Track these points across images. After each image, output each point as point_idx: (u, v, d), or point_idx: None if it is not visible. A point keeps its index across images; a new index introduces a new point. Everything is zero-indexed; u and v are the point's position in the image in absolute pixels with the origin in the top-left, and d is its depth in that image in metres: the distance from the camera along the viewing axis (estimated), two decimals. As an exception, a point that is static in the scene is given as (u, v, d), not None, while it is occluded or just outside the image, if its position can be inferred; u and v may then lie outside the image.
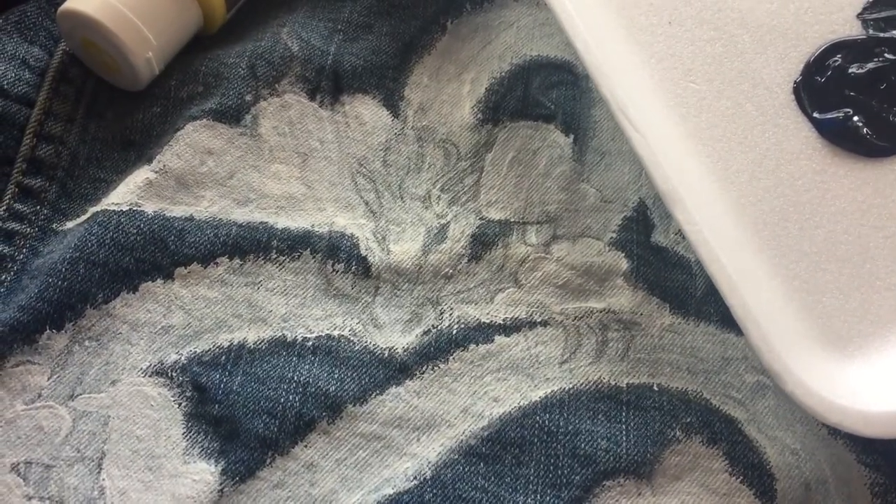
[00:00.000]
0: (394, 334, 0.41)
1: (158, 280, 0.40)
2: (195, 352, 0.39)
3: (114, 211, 0.41)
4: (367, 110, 0.45)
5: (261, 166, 0.44)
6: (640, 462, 0.38)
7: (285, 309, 0.41)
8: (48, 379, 0.38)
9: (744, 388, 0.41)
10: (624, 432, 0.39)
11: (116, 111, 0.44)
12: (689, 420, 0.39)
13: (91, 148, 0.44)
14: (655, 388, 0.40)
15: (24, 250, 0.41)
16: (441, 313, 0.41)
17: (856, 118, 0.41)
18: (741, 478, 0.38)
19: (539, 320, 0.41)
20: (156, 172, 0.42)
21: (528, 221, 0.44)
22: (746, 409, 0.40)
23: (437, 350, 0.40)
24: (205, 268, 0.41)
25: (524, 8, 0.49)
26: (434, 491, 0.37)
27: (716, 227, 0.39)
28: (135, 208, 0.41)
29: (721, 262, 0.38)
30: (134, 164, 0.43)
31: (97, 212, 0.41)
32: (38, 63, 0.44)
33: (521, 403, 0.39)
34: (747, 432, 0.39)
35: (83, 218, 0.42)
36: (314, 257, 0.42)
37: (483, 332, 0.41)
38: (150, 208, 0.42)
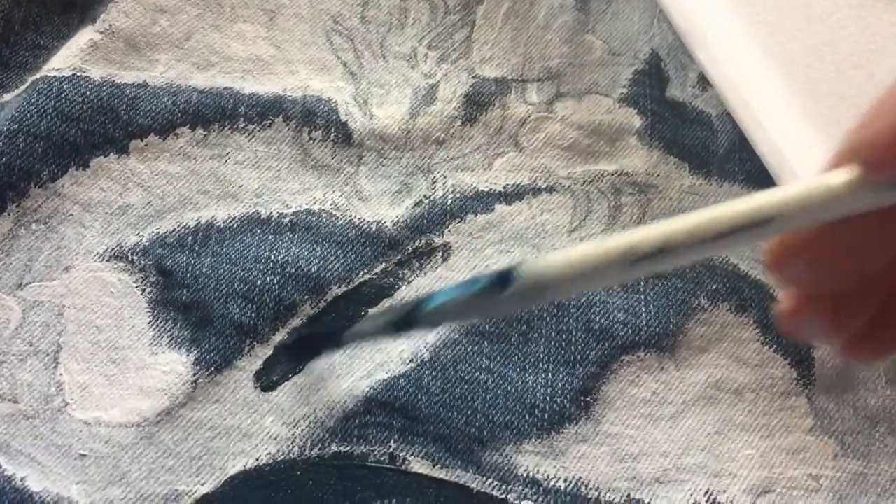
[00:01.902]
0: (381, 207, 0.36)
1: (112, 154, 0.36)
2: (157, 232, 0.35)
3: (55, 77, 0.36)
4: (340, -42, 0.40)
5: (222, 25, 0.38)
6: (662, 334, 0.34)
7: (258, 183, 0.36)
8: (-9, 267, 0.34)
9: (774, 252, 0.36)
10: (643, 302, 0.35)
11: (53, -33, 0.39)
12: (714, 287, 0.35)
13: (27, 11, 0.39)
14: (676, 254, 0.36)
15: (-43, 127, 0.36)
16: (433, 182, 0.37)
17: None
18: (774, 346, 0.34)
19: (544, 186, 0.37)
20: (101, 33, 0.37)
21: (528, 79, 0.39)
22: (777, 274, 0.36)
23: (430, 222, 0.36)
24: (164, 140, 0.36)
25: None
26: (433, 373, 0.33)
27: (743, 67, 0.35)
28: (79, 74, 0.36)
29: (750, 107, 0.33)
30: (77, 28, 0.38)
31: (36, 79, 0.36)
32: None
33: (528, 276, 0.35)
34: (779, 298, 0.35)
35: (22, 88, 0.37)
36: (288, 125, 0.37)
37: (482, 201, 0.36)
38: (96, 74, 0.36)
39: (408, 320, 0.24)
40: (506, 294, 0.21)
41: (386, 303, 0.35)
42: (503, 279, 0.21)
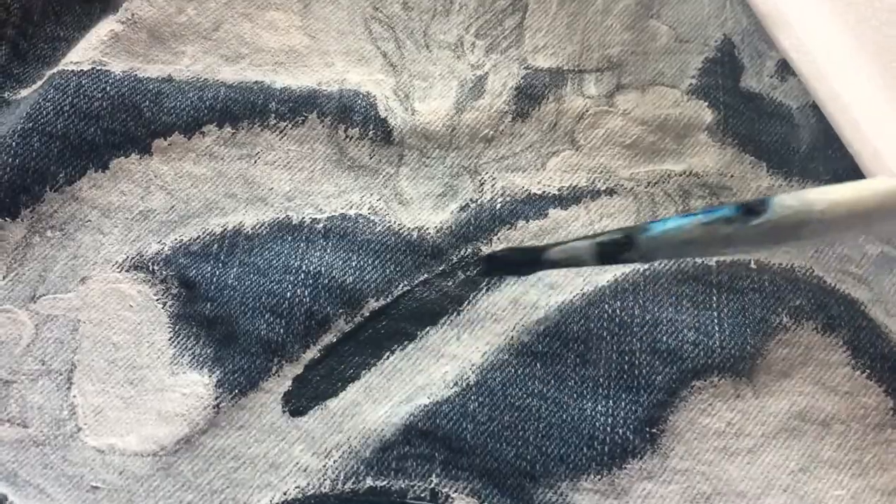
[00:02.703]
0: (423, 212, 0.33)
1: (133, 155, 0.33)
2: (181, 240, 0.32)
3: (73, 72, 0.33)
4: (380, -61, 0.36)
5: (253, 14, 0.36)
6: (738, 356, 0.30)
7: (289, 185, 0.33)
8: (3, 278, 0.32)
9: (865, 262, 0.32)
10: (716, 321, 0.31)
11: (74, -47, 0.36)
12: (797, 303, 0.31)
13: (46, 0, 0.36)
14: (753, 265, 0.32)
15: (-30, 125, 0.34)
16: (481, 184, 0.33)
17: None
18: (867, 371, 0.30)
19: (603, 188, 0.33)
20: (123, 23, 0.34)
21: (586, 69, 0.35)
22: (870, 288, 0.32)
23: (477, 229, 0.32)
24: (189, 139, 0.33)
25: None
26: (480, 399, 0.30)
27: (832, 56, 0.30)
28: (99, 67, 0.34)
29: (842, 100, 0.29)
30: (98, 18, 0.35)
31: (53, 73, 0.33)
32: None
33: (585, 290, 0.32)
34: (872, 315, 0.31)
35: (39, 83, 0.34)
36: (322, 122, 0.34)
37: (534, 206, 0.33)
38: (117, 67, 0.34)
39: (619, 246, 0.23)
40: (751, 224, 0.20)
41: (427, 319, 0.31)
42: (752, 209, 0.20)
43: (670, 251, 0.22)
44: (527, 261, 0.28)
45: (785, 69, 0.35)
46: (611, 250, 0.23)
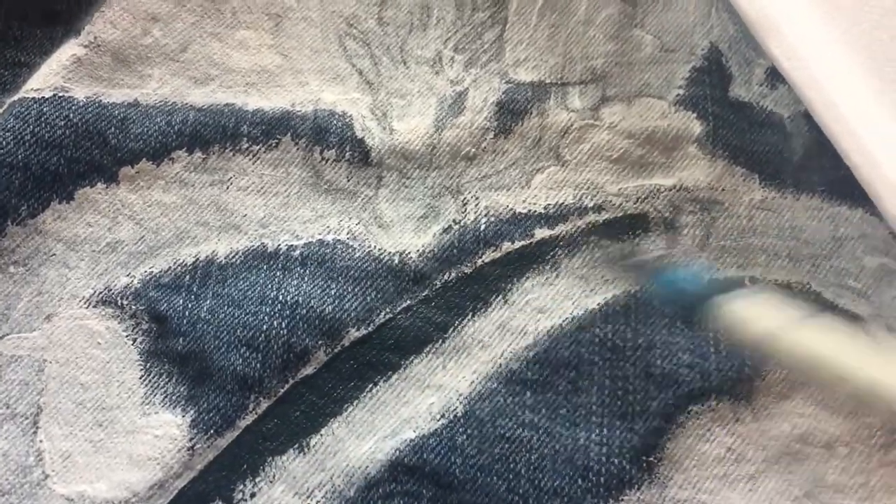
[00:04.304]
0: (404, 235, 0.32)
1: (99, 184, 0.32)
2: (151, 272, 0.31)
3: (34, 99, 0.32)
4: (352, -48, 0.35)
5: (222, 33, 0.34)
6: (736, 379, 0.29)
7: (264, 212, 0.32)
8: (-36, 318, 0.30)
9: (864, 276, 0.31)
10: (712, 342, 0.30)
11: (34, -25, 0.35)
12: (796, 321, 0.30)
13: (5, 24, 0.35)
14: (748, 282, 0.31)
15: (-72, 158, 0.32)
16: (464, 204, 0.32)
17: None
18: (871, 391, 0.29)
19: (591, 205, 0.32)
20: (85, 47, 0.33)
21: (569, 82, 0.34)
22: (870, 302, 0.31)
23: (460, 252, 0.31)
24: (157, 166, 0.32)
25: None
26: (468, 431, 0.29)
27: (825, 62, 0.29)
28: (61, 94, 0.32)
29: (837, 109, 0.28)
30: (61, 42, 0.34)
31: (13, 101, 0.32)
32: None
33: (575, 314, 0.30)
34: (873, 332, 0.30)
35: (-1, 112, 0.33)
36: (297, 144, 0.32)
37: (519, 226, 0.32)
38: (80, 93, 0.32)
39: None
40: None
41: (410, 348, 0.30)
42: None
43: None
44: None
45: (775, 77, 0.34)
46: None
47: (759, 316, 0.18)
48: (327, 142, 0.33)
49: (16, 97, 0.32)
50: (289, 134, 0.33)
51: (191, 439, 0.28)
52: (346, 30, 0.35)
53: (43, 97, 0.32)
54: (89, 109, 0.32)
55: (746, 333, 0.18)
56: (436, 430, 0.29)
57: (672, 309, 0.30)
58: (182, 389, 0.29)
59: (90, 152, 0.32)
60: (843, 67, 0.29)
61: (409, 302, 0.31)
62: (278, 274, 0.31)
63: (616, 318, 0.30)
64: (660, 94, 0.34)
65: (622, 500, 0.28)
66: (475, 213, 0.32)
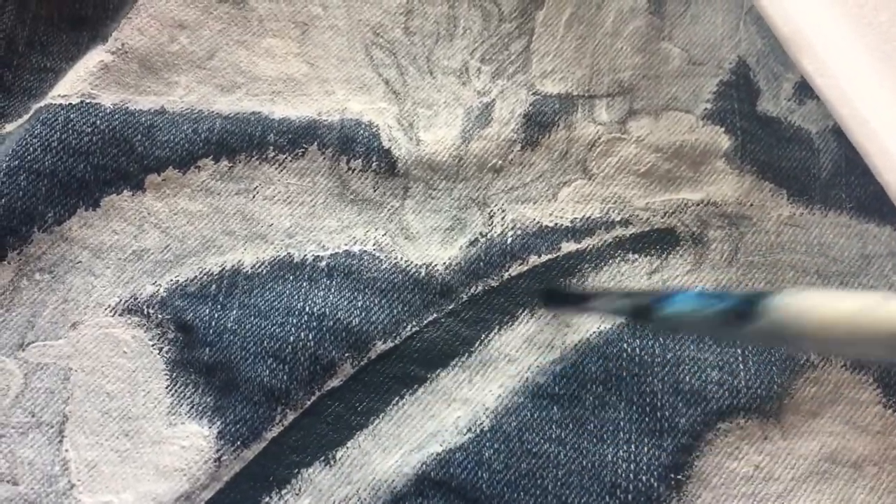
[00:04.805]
0: (431, 247, 0.31)
1: (125, 192, 0.32)
2: (177, 281, 0.31)
3: (61, 105, 0.32)
4: (380, -39, 0.35)
5: (249, 41, 0.34)
6: (765, 396, 0.29)
7: (290, 221, 0.32)
8: (-10, 325, 0.30)
9: (893, 292, 0.31)
10: (741, 358, 0.30)
11: (61, -20, 0.35)
12: (825, 339, 0.30)
13: (32, 29, 0.35)
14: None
15: (-46, 163, 0.32)
16: (490, 217, 0.32)
17: None
18: (900, 411, 0.29)
19: (618, 219, 0.32)
20: (113, 54, 0.33)
21: (596, 94, 0.34)
22: (899, 321, 0.30)
23: (487, 265, 0.31)
24: (184, 174, 0.32)
25: None
26: (495, 446, 0.28)
27: (857, 78, 0.29)
28: (88, 100, 0.32)
29: (869, 126, 0.28)
30: (87, 48, 0.34)
31: (40, 107, 0.32)
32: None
33: (602, 328, 0.30)
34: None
35: (25, 118, 0.32)
36: (323, 153, 0.32)
37: (546, 239, 0.31)
38: (107, 100, 0.32)
39: (643, 314, 0.24)
40: (744, 330, 0.20)
41: (437, 361, 0.30)
42: (743, 314, 0.20)
43: (688, 330, 0.25)
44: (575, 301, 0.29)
45: (803, 92, 0.33)
46: (638, 315, 0.25)
47: (821, 304, 0.17)
48: (354, 151, 0.32)
49: (42, 103, 0.32)
50: (315, 143, 0.33)
51: (217, 451, 0.28)
52: (372, 39, 0.35)
53: (70, 104, 0.32)
54: (116, 116, 0.32)
55: (810, 322, 0.18)
56: (462, 444, 0.29)
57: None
58: (208, 400, 0.29)
59: (117, 159, 0.31)
60: (877, 84, 0.29)
61: (435, 315, 0.30)
62: (305, 285, 0.31)
63: (644, 333, 0.30)
64: (687, 107, 0.34)
65: (650, 517, 0.28)
66: (502, 225, 0.32)
